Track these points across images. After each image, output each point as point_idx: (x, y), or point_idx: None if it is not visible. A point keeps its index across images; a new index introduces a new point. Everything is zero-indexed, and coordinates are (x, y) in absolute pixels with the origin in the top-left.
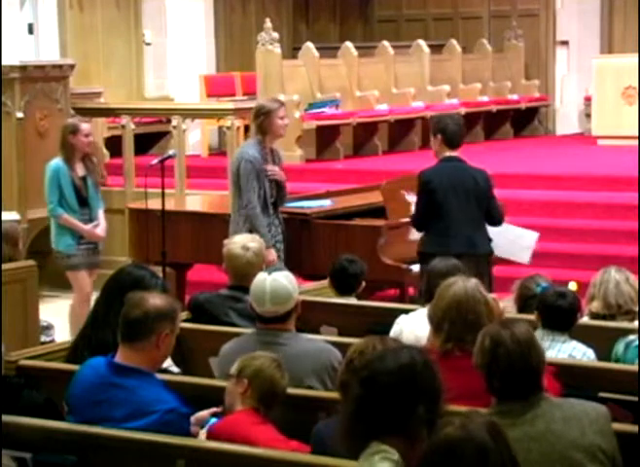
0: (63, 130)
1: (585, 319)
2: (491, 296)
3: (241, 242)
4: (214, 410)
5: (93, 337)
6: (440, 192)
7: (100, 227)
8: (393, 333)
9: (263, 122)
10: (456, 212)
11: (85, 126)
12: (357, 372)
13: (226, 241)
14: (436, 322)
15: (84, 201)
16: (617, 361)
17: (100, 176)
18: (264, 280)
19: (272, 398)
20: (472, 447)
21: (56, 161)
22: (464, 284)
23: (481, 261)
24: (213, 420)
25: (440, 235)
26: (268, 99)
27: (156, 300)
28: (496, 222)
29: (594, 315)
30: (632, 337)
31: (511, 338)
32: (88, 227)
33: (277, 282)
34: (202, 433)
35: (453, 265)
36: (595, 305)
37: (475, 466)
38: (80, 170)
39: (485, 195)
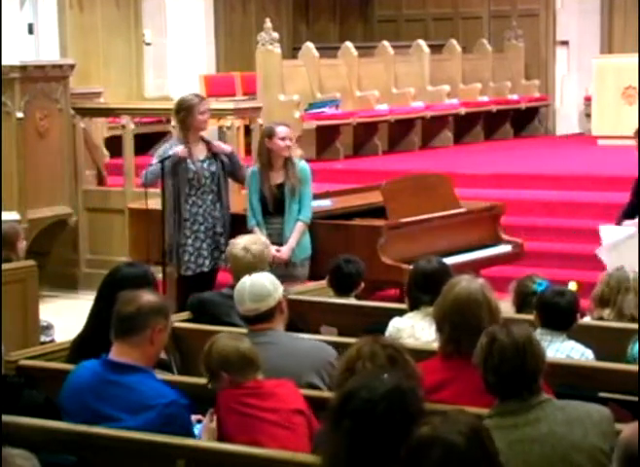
0: (260, 135)
1: (586, 319)
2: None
3: (243, 244)
4: (199, 417)
5: (95, 338)
6: None
7: (286, 246)
8: (388, 335)
9: (184, 117)
10: None
11: (281, 129)
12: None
13: (231, 241)
14: (437, 323)
15: (269, 212)
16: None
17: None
18: (244, 281)
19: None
20: (439, 446)
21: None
22: (467, 285)
23: None
24: (198, 426)
25: None
26: (189, 94)
27: (148, 296)
28: None
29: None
30: None
31: (506, 335)
32: (272, 252)
33: (256, 280)
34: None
35: (438, 265)
36: (607, 313)
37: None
38: (277, 177)
39: None
